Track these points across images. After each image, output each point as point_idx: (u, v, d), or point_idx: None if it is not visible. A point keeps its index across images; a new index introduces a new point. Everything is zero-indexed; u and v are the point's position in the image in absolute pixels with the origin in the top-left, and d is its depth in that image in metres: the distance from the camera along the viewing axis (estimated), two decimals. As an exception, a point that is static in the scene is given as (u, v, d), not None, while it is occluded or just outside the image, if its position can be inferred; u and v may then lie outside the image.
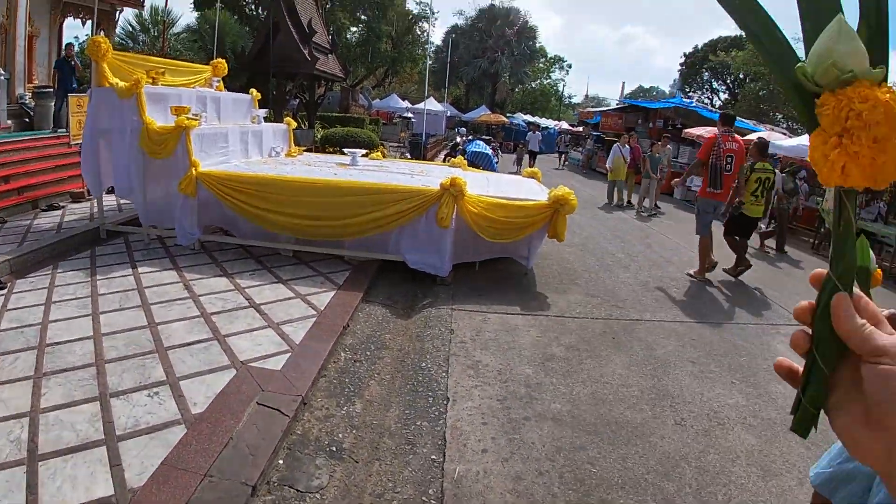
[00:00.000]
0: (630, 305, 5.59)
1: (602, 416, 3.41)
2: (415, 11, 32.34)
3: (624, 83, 60.68)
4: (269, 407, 3.01)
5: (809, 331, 0.47)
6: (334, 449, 2.86)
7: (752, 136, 10.59)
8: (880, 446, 0.42)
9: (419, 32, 32.52)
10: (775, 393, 3.90)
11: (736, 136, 6.65)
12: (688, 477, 2.87)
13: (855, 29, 0.42)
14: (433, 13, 34.57)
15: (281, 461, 2.72)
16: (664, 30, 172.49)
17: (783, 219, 9.54)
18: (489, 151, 13.43)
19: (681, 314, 5.48)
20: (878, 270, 0.83)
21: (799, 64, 0.44)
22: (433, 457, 2.88)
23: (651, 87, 60.70)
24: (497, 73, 40.11)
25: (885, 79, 0.42)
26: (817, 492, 1.57)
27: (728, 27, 41.27)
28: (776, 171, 8.21)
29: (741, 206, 6.80)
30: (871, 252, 0.74)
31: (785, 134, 15.32)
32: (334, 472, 2.69)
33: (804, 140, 10.51)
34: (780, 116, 28.21)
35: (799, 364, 0.49)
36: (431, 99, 26.78)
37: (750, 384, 4.04)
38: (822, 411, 0.47)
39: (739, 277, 6.93)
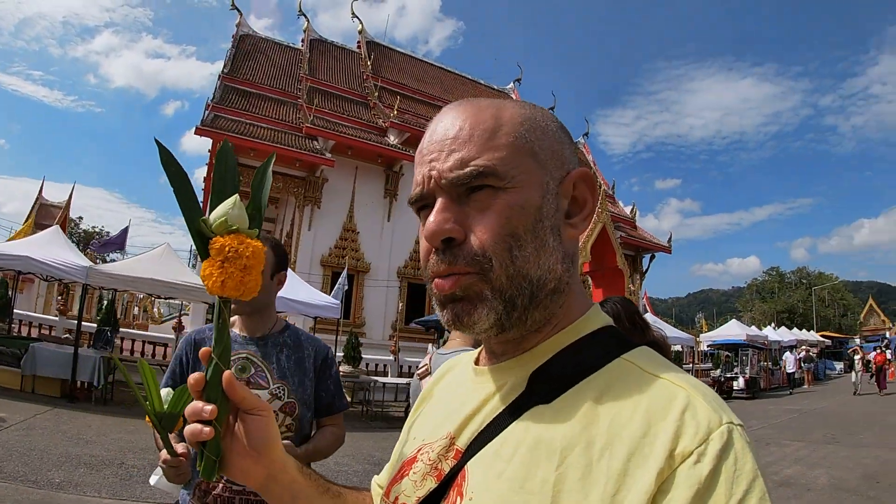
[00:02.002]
0: None
1: None
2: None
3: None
4: None
5: (213, 407, 0.58)
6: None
7: None
8: (262, 471, 0.62)
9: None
10: None
11: None
12: None
13: (245, 206, 0.64)
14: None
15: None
16: None
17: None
18: None
19: None
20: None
21: (203, 217, 0.63)
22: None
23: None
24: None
25: (258, 236, 0.64)
26: None
27: None
28: None
29: None
30: None
31: None
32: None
33: None
34: None
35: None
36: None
37: None
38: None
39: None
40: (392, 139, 18.58)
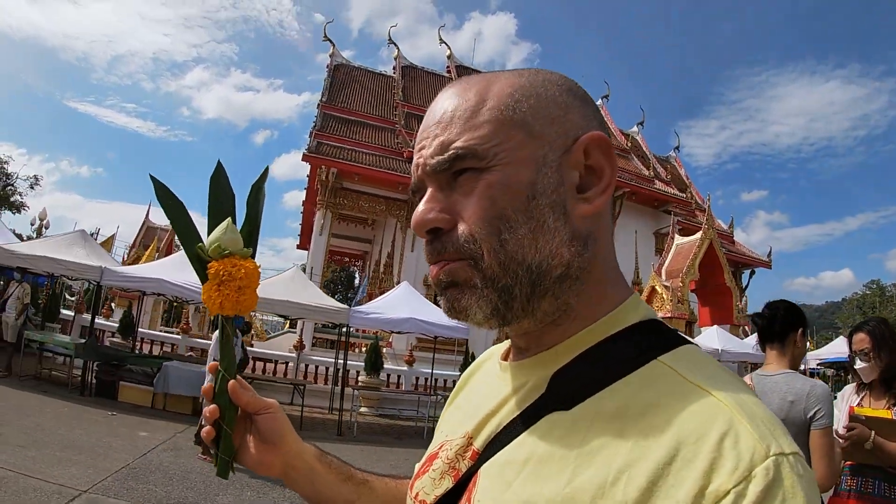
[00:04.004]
0: None
1: None
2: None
3: None
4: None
5: (213, 407, 0.66)
6: None
7: None
8: (279, 461, 0.67)
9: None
10: None
11: None
12: None
13: (240, 226, 0.70)
14: None
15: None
16: None
17: None
18: None
19: None
20: None
21: (199, 244, 0.68)
22: None
23: None
24: None
25: (252, 256, 0.69)
26: None
27: None
28: None
29: None
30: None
31: None
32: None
33: None
34: None
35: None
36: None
37: None
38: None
39: None
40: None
